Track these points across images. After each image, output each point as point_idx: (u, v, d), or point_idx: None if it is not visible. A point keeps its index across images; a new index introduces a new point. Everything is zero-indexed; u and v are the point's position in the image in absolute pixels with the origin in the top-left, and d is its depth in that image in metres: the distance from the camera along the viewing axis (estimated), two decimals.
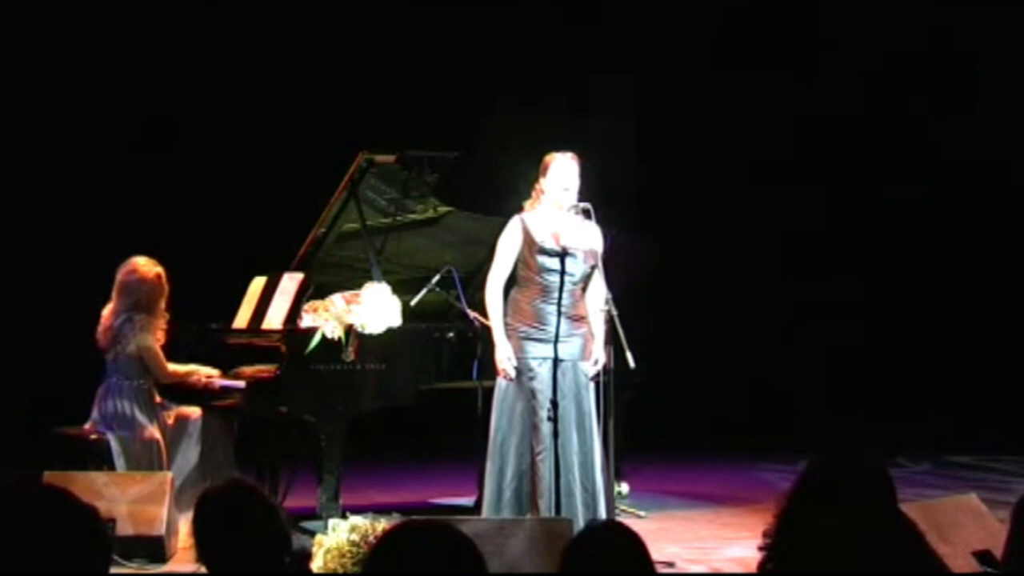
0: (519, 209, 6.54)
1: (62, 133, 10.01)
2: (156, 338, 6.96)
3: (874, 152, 11.82)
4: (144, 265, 6.96)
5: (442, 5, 10.84)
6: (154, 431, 6.88)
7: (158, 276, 6.96)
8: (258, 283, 7.38)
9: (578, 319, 6.41)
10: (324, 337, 6.70)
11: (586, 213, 6.37)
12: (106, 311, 7.00)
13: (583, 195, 6.41)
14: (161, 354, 6.97)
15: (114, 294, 6.98)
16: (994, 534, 4.96)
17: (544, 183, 6.47)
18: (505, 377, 6.35)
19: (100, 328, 6.99)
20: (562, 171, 6.44)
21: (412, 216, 7.43)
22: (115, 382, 6.94)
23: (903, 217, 11.80)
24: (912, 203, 11.73)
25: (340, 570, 5.64)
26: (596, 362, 6.37)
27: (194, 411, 7.04)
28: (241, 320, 7.33)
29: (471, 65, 10.76)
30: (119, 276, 6.97)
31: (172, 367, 7.02)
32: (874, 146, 11.81)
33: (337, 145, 7.54)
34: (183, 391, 7.12)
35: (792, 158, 11.64)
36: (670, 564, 6.43)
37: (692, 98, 11.36)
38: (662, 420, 9.59)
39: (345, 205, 7.13)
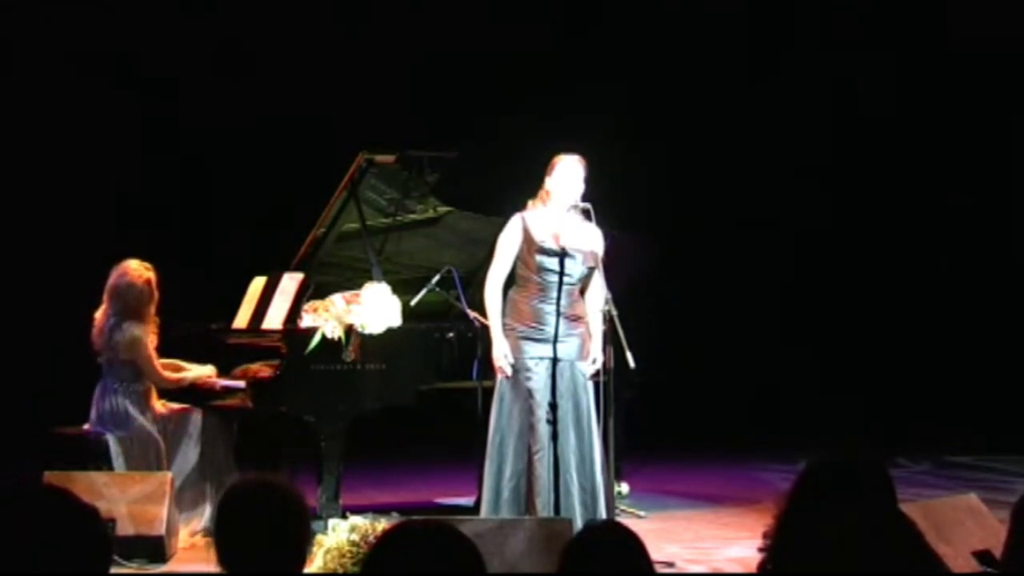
0: (521, 207, 6.55)
1: (63, 132, 10.01)
2: (148, 343, 6.90)
3: (875, 151, 11.82)
4: (135, 269, 6.91)
5: (443, 5, 10.84)
6: (152, 431, 6.86)
7: (148, 281, 6.90)
8: (258, 283, 7.38)
9: (576, 319, 6.42)
10: (324, 337, 6.70)
11: (586, 214, 6.39)
12: (98, 313, 6.98)
13: (585, 196, 6.43)
14: (157, 365, 6.92)
15: (105, 296, 6.95)
16: (994, 534, 4.96)
17: (549, 183, 6.48)
18: (502, 374, 6.37)
19: (94, 330, 6.97)
20: (568, 172, 6.45)
21: (412, 216, 7.43)
22: (110, 383, 6.92)
23: (904, 217, 11.81)
24: (914, 203, 11.74)
25: (340, 570, 5.65)
26: (594, 361, 6.38)
27: (194, 411, 7.04)
28: (241, 320, 7.32)
29: (471, 65, 10.76)
30: (110, 279, 6.92)
31: (168, 373, 6.99)
32: (875, 145, 11.81)
33: (337, 145, 7.54)
34: (183, 391, 7.11)
35: (794, 157, 11.64)
36: (670, 564, 6.43)
37: (692, 97, 11.36)
38: (662, 420, 9.59)
39: (345, 205, 7.12)
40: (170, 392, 7.08)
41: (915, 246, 11.81)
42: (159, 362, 6.95)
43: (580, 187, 6.45)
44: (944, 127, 11.62)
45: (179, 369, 7.11)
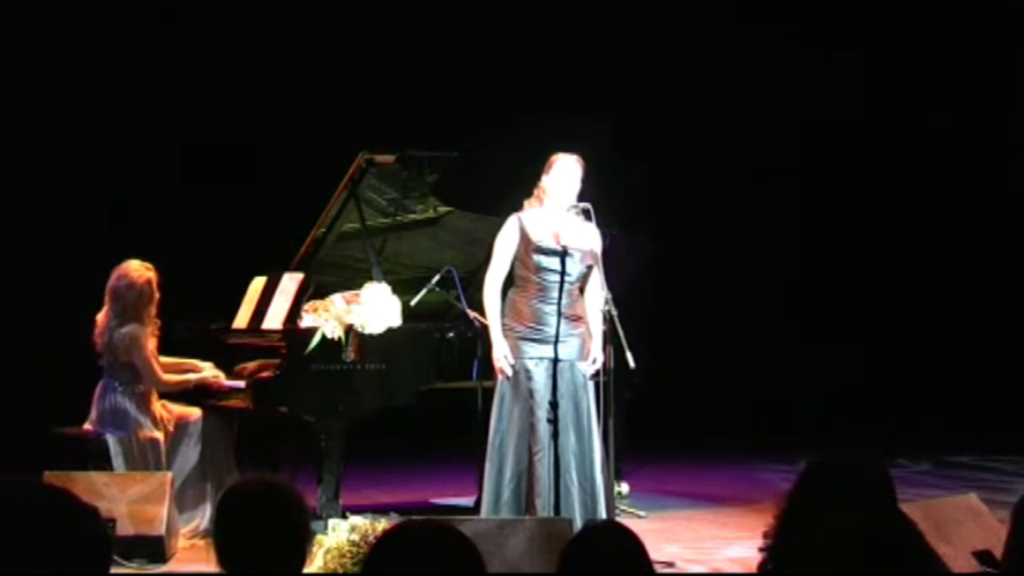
0: (518, 207, 6.55)
1: (64, 131, 10.01)
2: (147, 345, 6.87)
3: (873, 151, 11.82)
4: (135, 270, 6.89)
5: (442, 5, 10.84)
6: (152, 431, 6.86)
7: (148, 282, 6.87)
8: (258, 283, 7.38)
9: (576, 319, 6.41)
10: (324, 337, 6.70)
11: (586, 214, 6.38)
12: (100, 315, 6.96)
13: (583, 196, 6.42)
14: (156, 367, 6.89)
15: (106, 298, 6.92)
16: (994, 534, 4.95)
17: (546, 181, 6.47)
18: (502, 375, 6.36)
19: (96, 332, 6.96)
20: (565, 171, 6.44)
21: (412, 216, 7.43)
22: (111, 383, 6.91)
23: (906, 217, 11.81)
24: (913, 202, 11.74)
25: (340, 570, 5.65)
26: (594, 361, 6.38)
27: (194, 411, 7.04)
28: (241, 320, 7.32)
29: (470, 65, 10.76)
30: (111, 280, 6.89)
31: (168, 376, 6.98)
32: (873, 145, 11.81)
33: (337, 145, 7.54)
34: (184, 391, 7.11)
35: (793, 157, 11.65)
36: (670, 564, 6.43)
37: (691, 96, 11.36)
38: (662, 420, 9.59)
39: (345, 205, 7.12)
40: (170, 392, 7.07)
41: (917, 246, 11.81)
42: (159, 363, 6.93)
43: (577, 187, 6.44)
44: (946, 125, 11.63)
45: (192, 368, 7.08)
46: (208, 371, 7.08)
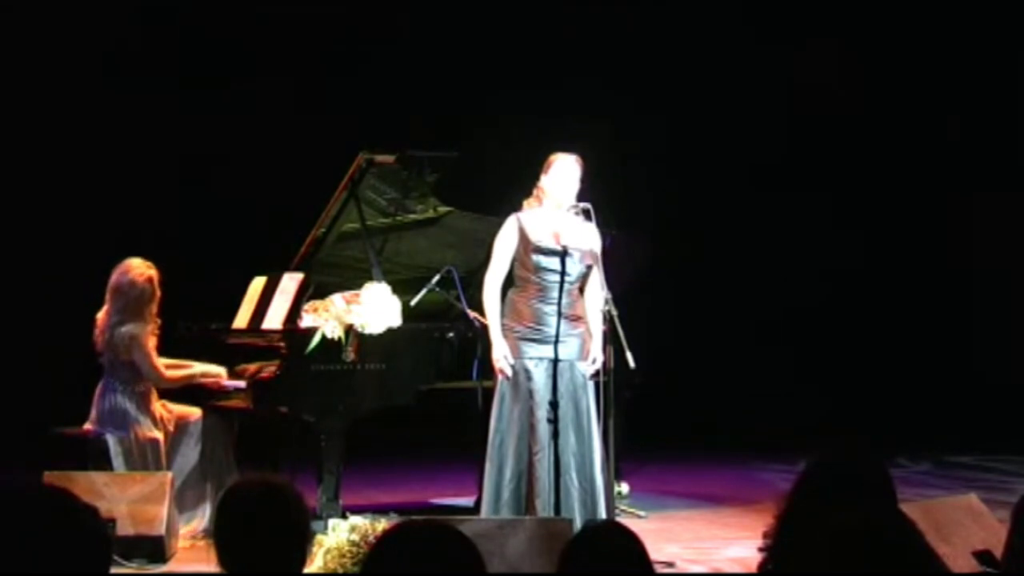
0: (517, 208, 6.55)
1: (63, 130, 10.01)
2: (147, 342, 6.85)
3: (871, 151, 11.81)
4: (137, 267, 6.87)
5: (440, 5, 10.84)
6: (152, 431, 6.85)
7: (150, 280, 6.85)
8: (258, 283, 7.37)
9: (576, 319, 6.42)
10: (324, 337, 6.70)
11: (586, 214, 6.38)
12: (100, 313, 6.95)
13: (582, 196, 6.42)
14: (158, 364, 6.87)
15: (107, 295, 6.91)
16: (994, 534, 4.96)
17: (545, 181, 6.47)
18: (502, 375, 6.36)
19: (96, 331, 6.95)
20: (564, 171, 6.44)
21: (412, 216, 7.43)
22: (112, 383, 6.90)
23: (904, 216, 11.81)
24: (913, 202, 11.74)
25: (340, 570, 5.65)
26: (594, 361, 6.38)
27: (194, 411, 7.04)
28: (241, 320, 7.32)
29: (470, 65, 10.76)
30: (112, 277, 6.87)
31: (170, 372, 6.97)
32: (872, 146, 11.81)
33: (337, 145, 7.54)
34: (183, 391, 7.11)
35: (791, 158, 11.64)
36: (670, 564, 6.43)
37: (691, 96, 11.35)
38: (662, 420, 9.58)
39: (345, 205, 7.12)
40: (171, 392, 7.07)
41: (917, 246, 11.81)
42: (159, 360, 6.93)
43: (576, 186, 6.44)
44: (946, 121, 11.64)
45: (190, 376, 7.07)
46: (206, 365, 7.08)
